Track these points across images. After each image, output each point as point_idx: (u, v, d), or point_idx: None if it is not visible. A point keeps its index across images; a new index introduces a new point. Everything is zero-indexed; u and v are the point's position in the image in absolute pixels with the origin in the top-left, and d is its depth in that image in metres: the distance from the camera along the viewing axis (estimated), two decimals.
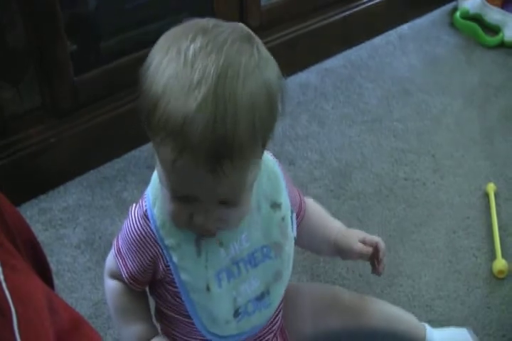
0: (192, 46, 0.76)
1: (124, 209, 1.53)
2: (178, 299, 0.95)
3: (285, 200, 0.99)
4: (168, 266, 0.92)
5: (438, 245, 1.48)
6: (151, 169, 1.62)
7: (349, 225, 1.49)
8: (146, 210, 0.92)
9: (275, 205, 0.97)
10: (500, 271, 1.40)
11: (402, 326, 1.16)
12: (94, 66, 1.60)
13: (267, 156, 0.98)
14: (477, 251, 1.47)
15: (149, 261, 0.93)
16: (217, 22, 0.81)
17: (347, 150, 1.72)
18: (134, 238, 0.93)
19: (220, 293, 0.93)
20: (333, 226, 1.12)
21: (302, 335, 1.13)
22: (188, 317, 0.95)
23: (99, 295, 1.35)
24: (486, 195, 1.59)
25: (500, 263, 1.41)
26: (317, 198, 1.54)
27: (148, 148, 1.69)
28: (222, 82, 0.73)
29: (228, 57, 0.75)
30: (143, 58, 1.77)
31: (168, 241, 0.91)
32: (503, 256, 1.43)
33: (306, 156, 1.68)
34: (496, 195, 1.58)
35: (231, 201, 0.82)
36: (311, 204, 1.13)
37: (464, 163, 1.69)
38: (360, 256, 1.07)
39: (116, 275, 1.00)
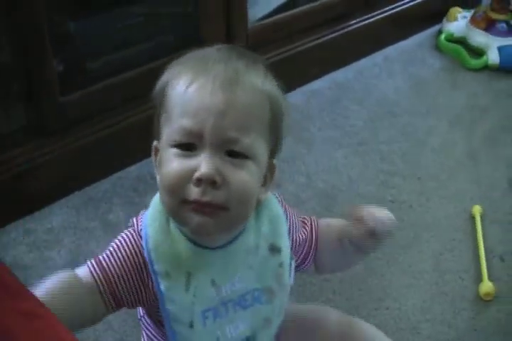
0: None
1: (109, 231, 1.52)
2: (162, 328, 0.92)
3: (285, 246, 0.95)
4: (155, 292, 0.88)
5: (424, 267, 1.48)
6: (137, 191, 1.64)
7: None
8: (140, 230, 0.89)
9: (274, 249, 0.93)
10: (487, 294, 1.40)
11: None
12: (80, 87, 1.59)
13: (272, 199, 0.96)
14: (463, 273, 1.47)
15: (137, 281, 0.88)
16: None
17: (333, 172, 1.72)
18: (123, 256, 0.88)
19: (203, 331, 0.90)
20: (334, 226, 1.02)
21: None
22: None
23: None
24: (472, 218, 1.59)
25: (486, 286, 1.41)
26: None
27: (134, 169, 1.69)
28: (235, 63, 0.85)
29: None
30: (129, 79, 1.77)
31: (158, 267, 0.87)
32: (490, 278, 1.43)
33: (292, 179, 1.68)
34: (481, 217, 1.58)
35: (236, 147, 0.81)
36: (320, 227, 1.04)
37: (449, 186, 1.70)
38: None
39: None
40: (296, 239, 1.00)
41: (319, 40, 2.02)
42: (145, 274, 0.88)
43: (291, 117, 1.87)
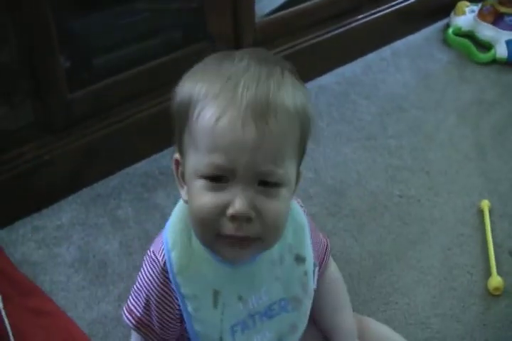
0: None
1: (118, 227, 1.52)
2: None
3: (309, 255, 0.96)
4: (183, 314, 0.88)
5: (433, 262, 1.47)
6: (146, 187, 1.64)
7: (344, 243, 1.49)
8: (163, 258, 0.87)
9: (299, 259, 0.94)
10: (496, 288, 1.40)
11: None
12: (87, 83, 1.60)
13: (297, 209, 0.96)
14: (472, 268, 1.46)
15: (176, 313, 0.89)
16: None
17: (342, 167, 1.72)
18: (156, 295, 0.88)
19: None
20: (346, 322, 1.07)
21: None
22: None
23: (93, 315, 1.33)
24: (481, 212, 1.59)
25: (495, 280, 1.40)
26: (313, 216, 1.54)
27: (142, 165, 1.69)
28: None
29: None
30: (136, 75, 1.76)
31: (184, 290, 0.87)
32: (498, 273, 1.42)
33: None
34: (490, 211, 1.58)
35: (270, 178, 0.78)
36: (332, 272, 1.08)
37: (457, 180, 1.69)
38: None
39: None
40: (314, 247, 0.99)
41: (327, 35, 2.01)
42: (176, 301, 0.89)
43: None
